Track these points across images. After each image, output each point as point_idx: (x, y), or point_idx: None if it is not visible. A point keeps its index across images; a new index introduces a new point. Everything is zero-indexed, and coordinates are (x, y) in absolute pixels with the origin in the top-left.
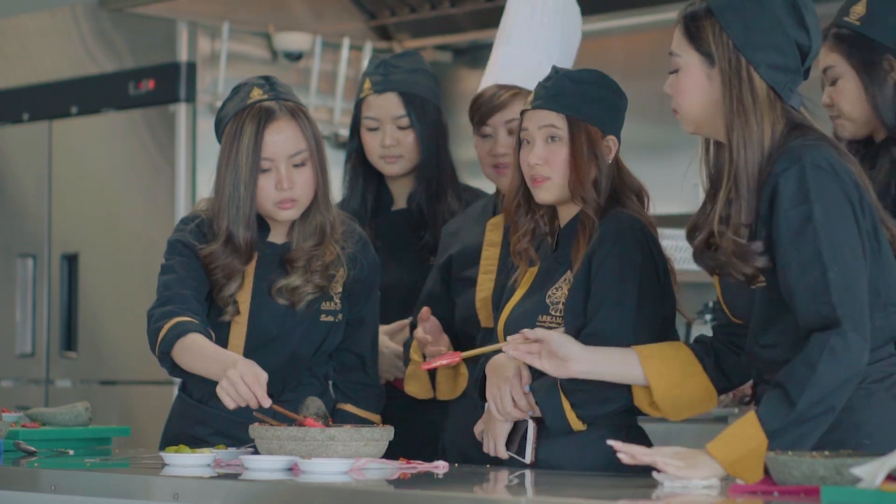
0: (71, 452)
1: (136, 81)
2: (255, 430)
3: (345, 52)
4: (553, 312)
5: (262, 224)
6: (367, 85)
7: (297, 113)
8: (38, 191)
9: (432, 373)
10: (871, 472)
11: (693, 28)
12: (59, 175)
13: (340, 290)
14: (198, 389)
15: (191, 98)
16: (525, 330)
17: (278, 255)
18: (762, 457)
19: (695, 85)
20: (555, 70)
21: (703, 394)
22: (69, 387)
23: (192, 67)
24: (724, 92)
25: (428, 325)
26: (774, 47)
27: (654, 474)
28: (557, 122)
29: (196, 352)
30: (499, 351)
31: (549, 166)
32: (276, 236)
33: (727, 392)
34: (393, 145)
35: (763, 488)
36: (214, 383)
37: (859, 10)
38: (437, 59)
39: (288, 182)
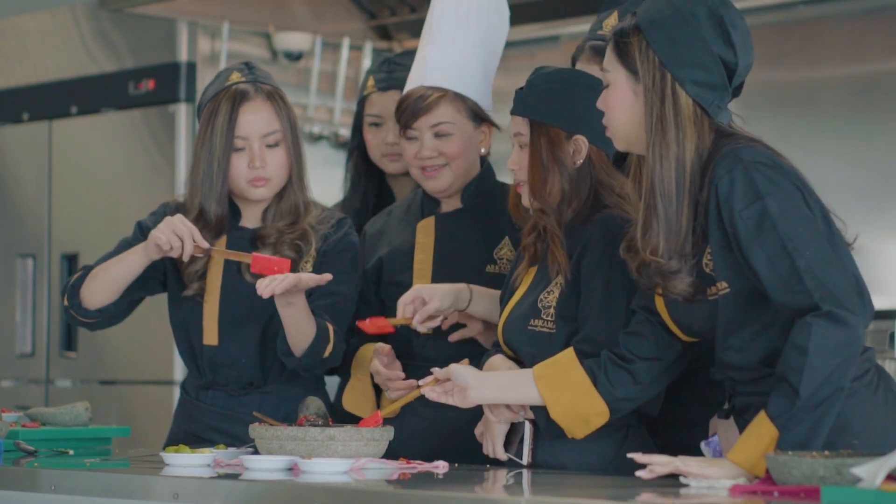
0: (71, 452)
1: (136, 81)
2: (255, 429)
3: (345, 52)
4: (545, 317)
5: (234, 209)
6: (371, 83)
7: (273, 95)
8: (38, 191)
9: (377, 389)
10: (871, 471)
11: (621, 45)
12: (59, 175)
13: (310, 269)
14: (190, 383)
15: (191, 98)
16: (434, 370)
17: (249, 237)
18: (771, 442)
19: (622, 101)
20: (534, 71)
21: (597, 409)
22: (69, 387)
23: (192, 67)
24: (645, 108)
25: (386, 359)
26: (699, 64)
27: (682, 479)
28: (522, 127)
29: (111, 263)
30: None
31: (522, 171)
32: (248, 220)
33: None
34: (396, 143)
35: (763, 488)
36: (205, 377)
37: (612, 22)
38: None
39: (260, 161)
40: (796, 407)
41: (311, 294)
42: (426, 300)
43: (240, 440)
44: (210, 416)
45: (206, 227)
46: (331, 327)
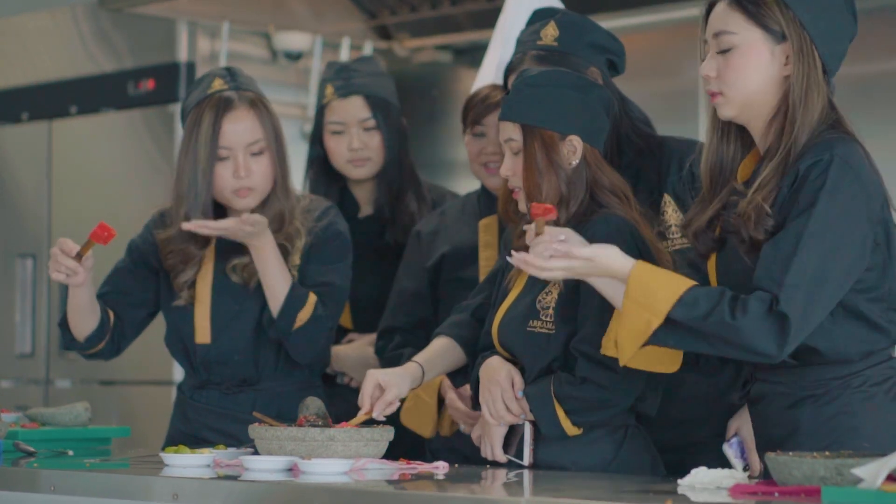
0: (70, 453)
1: (135, 81)
2: (255, 430)
3: (345, 52)
4: (543, 318)
5: (223, 210)
6: (330, 90)
7: (256, 103)
8: (38, 191)
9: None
10: (871, 472)
11: (752, 6)
12: (59, 175)
13: (299, 262)
14: (185, 384)
15: None
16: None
17: (236, 241)
18: (647, 325)
19: (756, 62)
20: (518, 75)
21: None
22: (69, 387)
23: (191, 67)
24: (795, 69)
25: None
26: (835, 32)
27: (680, 481)
28: (514, 133)
29: (69, 299)
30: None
31: (517, 177)
32: None
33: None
34: (361, 148)
35: (763, 489)
36: (200, 376)
37: (551, 32)
38: (437, 59)
39: (245, 170)
40: (691, 320)
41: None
42: (384, 387)
43: (235, 438)
44: (205, 415)
45: (192, 237)
46: (313, 296)
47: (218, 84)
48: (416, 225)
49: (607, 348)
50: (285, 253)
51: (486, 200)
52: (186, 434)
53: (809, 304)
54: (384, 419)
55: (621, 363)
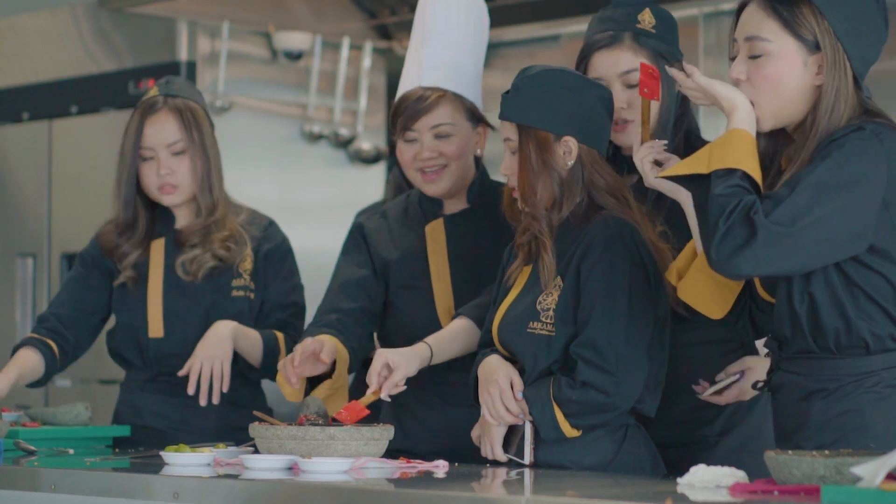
0: (71, 452)
1: (135, 81)
2: (256, 429)
3: (345, 52)
4: (543, 319)
5: (171, 214)
6: None
7: (181, 108)
8: (38, 191)
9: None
10: (871, 471)
11: (787, 13)
12: (59, 175)
13: (250, 267)
14: (132, 379)
15: None
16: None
17: (178, 238)
18: (695, 166)
19: (790, 71)
20: (519, 73)
21: (723, 290)
22: (69, 386)
23: (191, 67)
24: (827, 79)
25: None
26: (868, 41)
27: (679, 480)
28: (511, 132)
29: None
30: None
31: (515, 177)
32: (181, 222)
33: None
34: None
35: (763, 488)
36: (152, 370)
37: (648, 18)
38: None
39: (166, 168)
40: (723, 213)
41: (264, 306)
42: (392, 367)
43: (183, 423)
44: (154, 403)
45: (129, 231)
46: (280, 337)
47: (153, 91)
48: (358, 218)
49: (671, 275)
50: (229, 258)
51: (428, 204)
52: (136, 427)
53: (787, 232)
54: (389, 398)
55: (650, 181)
